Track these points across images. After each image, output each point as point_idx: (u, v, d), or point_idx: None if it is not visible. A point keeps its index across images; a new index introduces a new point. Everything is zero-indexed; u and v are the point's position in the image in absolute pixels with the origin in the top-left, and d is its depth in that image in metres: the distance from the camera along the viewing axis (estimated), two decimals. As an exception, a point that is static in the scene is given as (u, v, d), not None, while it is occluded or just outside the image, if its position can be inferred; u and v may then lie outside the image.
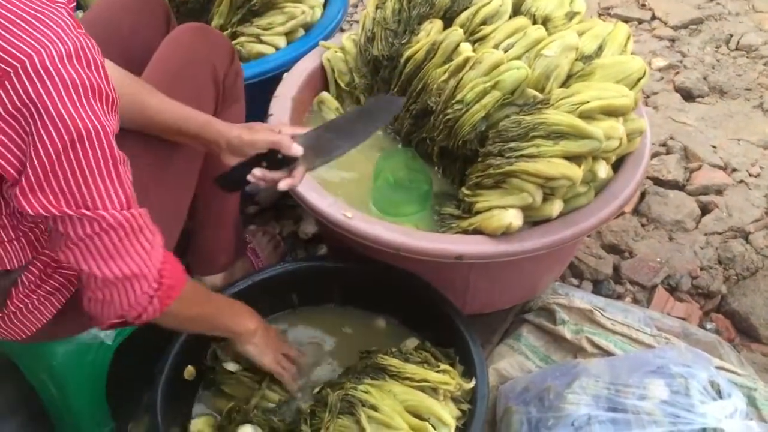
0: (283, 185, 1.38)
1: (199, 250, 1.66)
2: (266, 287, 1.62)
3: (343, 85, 1.86)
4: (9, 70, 0.93)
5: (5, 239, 1.15)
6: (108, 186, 1.03)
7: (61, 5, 0.98)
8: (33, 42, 0.93)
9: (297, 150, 1.35)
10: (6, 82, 0.93)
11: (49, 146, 0.97)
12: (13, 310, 1.23)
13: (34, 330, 1.27)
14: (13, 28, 0.93)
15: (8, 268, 1.18)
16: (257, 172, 1.37)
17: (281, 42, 2.04)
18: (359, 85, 1.83)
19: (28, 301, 1.23)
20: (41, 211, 1.01)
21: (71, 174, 0.99)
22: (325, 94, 1.88)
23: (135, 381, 1.62)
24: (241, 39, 2.04)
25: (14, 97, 0.94)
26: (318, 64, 1.88)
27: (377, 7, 1.82)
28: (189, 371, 1.53)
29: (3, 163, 0.98)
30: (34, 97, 0.94)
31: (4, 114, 0.95)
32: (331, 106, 1.86)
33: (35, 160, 0.98)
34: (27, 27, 0.94)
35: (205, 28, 1.58)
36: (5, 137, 0.97)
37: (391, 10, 1.79)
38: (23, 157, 0.98)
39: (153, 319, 1.19)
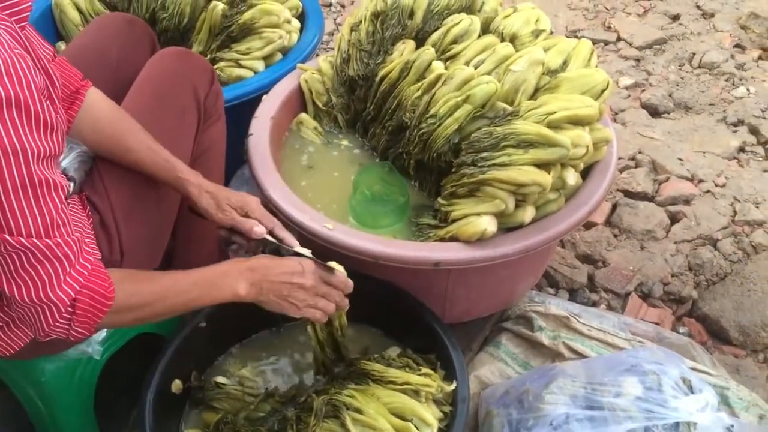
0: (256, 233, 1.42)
1: (182, 265, 1.69)
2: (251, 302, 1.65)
3: (320, 105, 1.92)
4: None
5: None
6: (24, 209, 1.01)
7: (3, 27, 1.01)
8: None
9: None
10: None
11: None
12: (1, 324, 1.25)
13: (22, 345, 1.29)
14: None
15: None
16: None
17: (260, 66, 2.10)
18: (336, 105, 1.89)
19: (14, 315, 1.25)
20: None
21: None
22: (303, 115, 1.94)
23: (123, 396, 1.64)
24: (221, 64, 2.10)
25: None
26: (296, 85, 1.94)
27: (352, 30, 1.89)
28: (176, 385, 1.55)
29: None
30: None
31: None
32: (309, 125, 1.91)
33: None
34: None
35: (185, 51, 1.64)
36: None
37: (365, 32, 1.86)
38: None
39: (89, 335, 1.18)
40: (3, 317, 1.25)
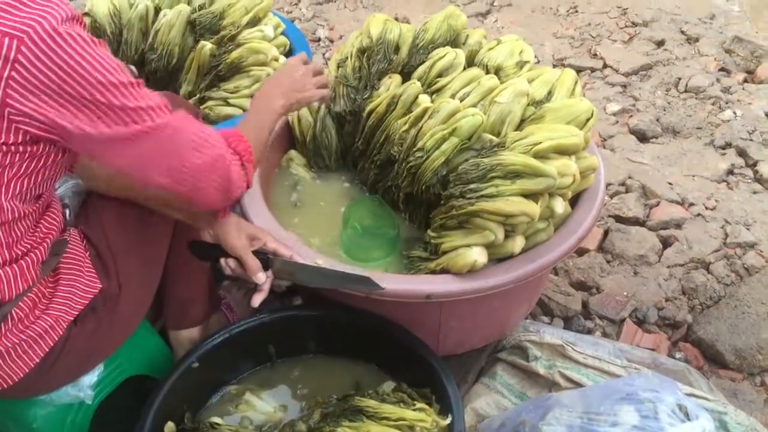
0: (255, 301, 1.55)
1: (174, 305, 1.69)
2: (243, 339, 1.65)
3: (309, 141, 1.92)
4: (22, 35, 1.04)
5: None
6: (144, 102, 1.16)
7: None
8: (37, 11, 1.06)
9: (260, 279, 1.52)
10: (22, 47, 1.04)
11: (85, 91, 1.09)
12: (1, 350, 1.25)
13: (21, 375, 1.29)
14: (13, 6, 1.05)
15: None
16: (231, 263, 1.52)
17: (248, 103, 2.11)
18: (325, 141, 1.90)
19: (16, 341, 1.26)
20: (112, 134, 1.14)
21: (112, 104, 1.12)
22: (293, 152, 1.95)
23: (115, 441, 1.62)
24: (210, 103, 2.11)
25: (37, 63, 1.05)
26: (284, 122, 1.95)
27: (338, 66, 1.91)
28: (170, 427, 1.53)
29: (59, 122, 1.10)
30: (54, 57, 1.06)
31: (38, 83, 1.06)
32: (299, 162, 1.92)
33: (79, 106, 1.10)
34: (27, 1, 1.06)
35: (171, 95, 1.70)
36: (49, 104, 1.09)
37: (352, 68, 1.88)
38: (69, 116, 1.11)
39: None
40: (5, 342, 1.25)
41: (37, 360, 1.30)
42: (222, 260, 1.52)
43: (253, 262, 1.50)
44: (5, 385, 1.30)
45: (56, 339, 1.30)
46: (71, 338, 1.34)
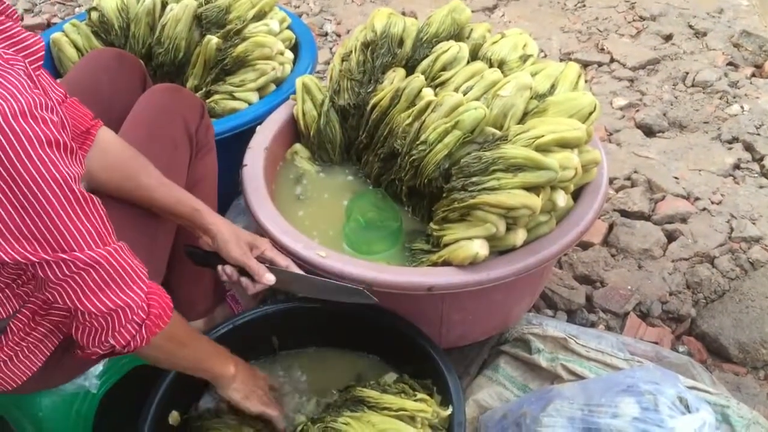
0: (251, 292, 1.51)
1: (178, 298, 1.70)
2: (247, 331, 1.66)
3: (313, 135, 1.93)
4: None
5: None
6: (80, 227, 1.07)
7: (19, 67, 1.03)
8: None
9: (269, 279, 1.49)
10: None
11: (13, 199, 1.00)
12: (4, 358, 1.27)
13: (25, 378, 1.30)
14: None
15: None
16: (228, 270, 1.51)
17: (254, 97, 2.13)
18: (329, 134, 1.91)
19: (18, 348, 1.27)
20: (19, 258, 1.05)
21: (41, 222, 1.03)
22: (297, 145, 1.96)
23: (121, 430, 1.64)
24: (216, 97, 2.13)
25: None
26: (289, 116, 1.96)
27: (343, 60, 1.92)
28: (174, 417, 1.56)
29: None
30: None
31: None
32: (303, 155, 1.93)
33: (3, 212, 1.01)
34: None
35: (176, 87, 1.67)
36: None
37: (356, 62, 1.89)
38: None
39: (139, 349, 1.23)
40: (7, 351, 1.27)
41: (40, 364, 1.31)
42: (219, 268, 1.52)
43: (259, 267, 1.48)
44: (9, 388, 1.31)
45: (57, 342, 1.31)
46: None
